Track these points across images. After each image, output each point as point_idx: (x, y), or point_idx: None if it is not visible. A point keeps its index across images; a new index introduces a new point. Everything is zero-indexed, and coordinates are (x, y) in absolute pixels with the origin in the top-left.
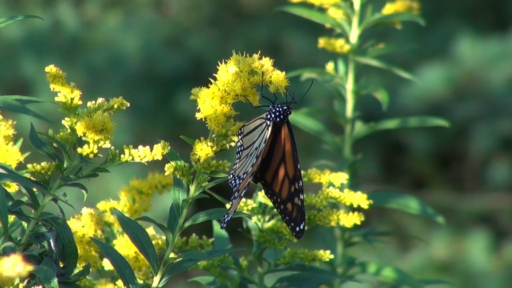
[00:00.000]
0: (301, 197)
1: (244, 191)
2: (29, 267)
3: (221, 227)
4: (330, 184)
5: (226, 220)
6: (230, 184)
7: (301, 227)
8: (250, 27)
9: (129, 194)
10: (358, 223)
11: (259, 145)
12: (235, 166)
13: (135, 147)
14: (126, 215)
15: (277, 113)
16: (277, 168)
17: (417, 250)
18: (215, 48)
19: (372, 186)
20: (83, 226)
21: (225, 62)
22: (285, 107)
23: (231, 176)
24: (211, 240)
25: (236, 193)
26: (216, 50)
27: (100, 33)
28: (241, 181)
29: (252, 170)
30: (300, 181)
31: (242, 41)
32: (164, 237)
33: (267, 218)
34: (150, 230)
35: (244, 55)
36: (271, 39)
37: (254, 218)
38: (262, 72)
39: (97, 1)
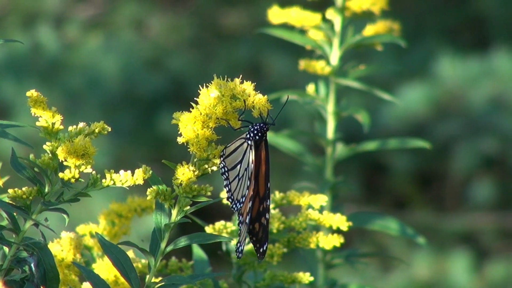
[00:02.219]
0: (267, 216)
1: (248, 217)
2: None
3: (238, 257)
4: (310, 206)
5: (240, 250)
6: (232, 209)
7: (265, 247)
8: (231, 48)
9: (109, 218)
10: (338, 245)
11: (247, 166)
12: (228, 187)
13: (116, 170)
14: (106, 238)
15: (255, 131)
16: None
17: (399, 270)
18: (196, 69)
19: (354, 207)
20: (62, 250)
21: (207, 86)
22: (262, 125)
23: (230, 200)
24: (190, 263)
25: (241, 217)
26: (197, 71)
27: (80, 55)
28: (241, 205)
29: (249, 193)
30: (268, 200)
31: (223, 62)
32: (143, 260)
33: (246, 240)
34: (130, 253)
35: (226, 79)
36: (252, 60)
37: (234, 241)
38: (244, 100)
39: (78, 23)
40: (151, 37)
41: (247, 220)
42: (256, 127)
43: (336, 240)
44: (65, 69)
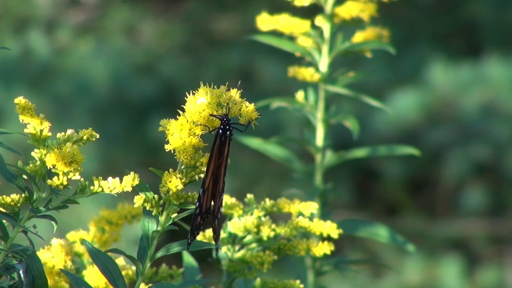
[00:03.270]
0: (221, 210)
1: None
2: None
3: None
4: (300, 214)
5: (189, 241)
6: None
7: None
8: (222, 54)
9: (99, 225)
10: (328, 252)
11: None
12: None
13: (107, 175)
14: (96, 245)
15: (223, 126)
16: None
17: (390, 276)
18: (187, 74)
19: (345, 213)
20: (53, 257)
21: (193, 93)
22: (230, 123)
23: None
24: (181, 270)
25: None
26: (188, 77)
27: (71, 60)
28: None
29: (206, 183)
30: (223, 194)
31: (214, 68)
32: (134, 267)
33: (237, 248)
34: (120, 261)
35: (212, 86)
36: (244, 65)
37: (224, 248)
38: (228, 107)
39: (69, 28)
40: (142, 43)
41: (198, 212)
42: (224, 122)
43: (327, 248)
44: (56, 75)
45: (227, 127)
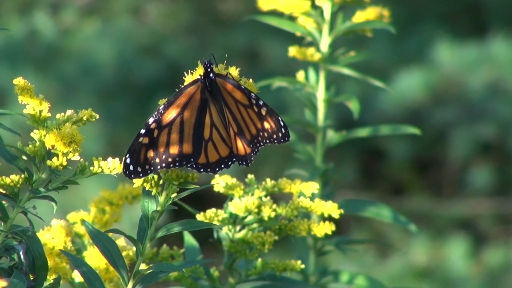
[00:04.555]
0: (265, 107)
1: None
2: (3, 283)
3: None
4: (301, 194)
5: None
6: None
7: (282, 126)
8: (227, 34)
9: (99, 205)
10: (329, 232)
11: None
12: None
13: (111, 156)
14: (97, 226)
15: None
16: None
17: (396, 257)
18: (192, 55)
19: (350, 193)
20: (53, 238)
21: (191, 73)
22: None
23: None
24: (182, 250)
25: None
26: (193, 57)
27: (77, 41)
28: None
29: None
30: (254, 106)
31: (220, 48)
32: (134, 248)
33: (238, 228)
34: (121, 241)
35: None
36: (249, 46)
37: (225, 229)
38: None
39: (74, 9)
40: (147, 23)
41: None
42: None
43: (328, 228)
44: (61, 56)
45: (209, 70)
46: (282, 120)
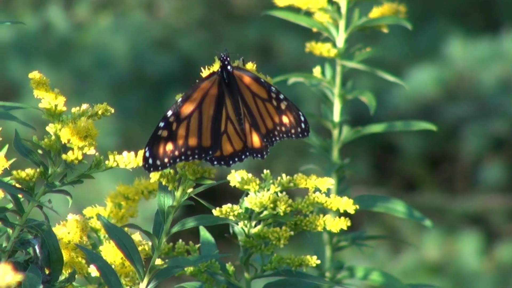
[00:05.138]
0: (285, 101)
1: None
2: (19, 276)
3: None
4: (317, 189)
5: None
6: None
7: (303, 121)
8: (240, 29)
9: (115, 200)
10: (345, 228)
11: None
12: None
13: (125, 149)
14: (112, 221)
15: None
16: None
17: (409, 252)
18: (205, 49)
19: (363, 189)
20: (68, 233)
21: (209, 68)
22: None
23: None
24: (197, 245)
25: None
26: (206, 52)
27: (90, 35)
28: None
29: None
30: (273, 100)
31: (233, 43)
32: (150, 243)
33: (253, 223)
34: (137, 236)
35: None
36: (262, 40)
37: (241, 224)
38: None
39: (88, 3)
40: (161, 17)
41: None
42: (223, 58)
43: (343, 223)
44: (75, 50)
45: (226, 62)
46: (303, 115)
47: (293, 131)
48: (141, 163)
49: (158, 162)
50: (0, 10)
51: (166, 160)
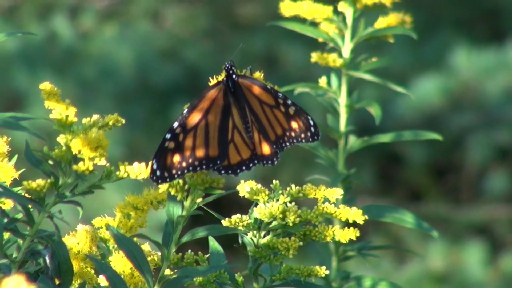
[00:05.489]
0: (293, 106)
1: None
2: (30, 287)
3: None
4: (326, 200)
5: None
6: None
7: (312, 125)
8: (246, 39)
9: (124, 210)
10: (354, 238)
11: None
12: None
13: (130, 160)
14: (121, 231)
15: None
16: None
17: (414, 262)
18: (210, 59)
19: (368, 198)
20: (78, 243)
21: (216, 78)
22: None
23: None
24: (206, 256)
25: None
26: (211, 62)
27: (95, 45)
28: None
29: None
30: (281, 106)
31: (238, 53)
32: (159, 253)
33: (262, 234)
34: (146, 246)
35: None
36: (267, 50)
37: (250, 234)
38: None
39: (93, 13)
40: (166, 28)
41: None
42: (228, 67)
43: (352, 234)
44: (80, 59)
45: (231, 71)
46: (312, 119)
47: (302, 135)
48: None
49: (166, 174)
50: (6, 20)
51: (174, 171)
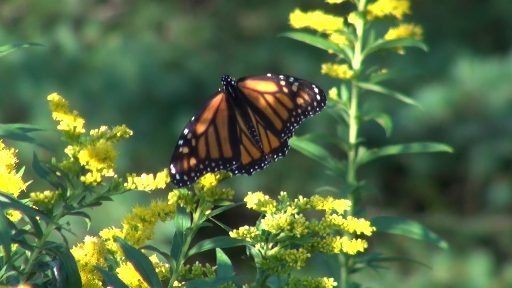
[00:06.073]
0: (296, 82)
1: None
2: None
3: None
4: (333, 211)
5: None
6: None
7: (317, 93)
8: (250, 50)
9: (132, 222)
10: (362, 250)
11: None
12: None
13: (134, 171)
14: (129, 243)
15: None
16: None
17: (419, 273)
18: (215, 70)
19: (374, 209)
20: (85, 255)
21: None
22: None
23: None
24: (214, 267)
25: None
26: (216, 73)
27: (99, 56)
28: None
29: None
30: (284, 88)
31: (243, 64)
32: (167, 265)
33: (270, 245)
34: (153, 258)
35: None
36: (272, 62)
37: (257, 246)
38: None
39: (97, 24)
40: (170, 39)
41: None
42: (225, 79)
43: (360, 245)
44: (84, 71)
45: (229, 81)
46: (317, 87)
47: (309, 108)
48: (159, 185)
49: (186, 177)
50: (10, 32)
51: (192, 174)
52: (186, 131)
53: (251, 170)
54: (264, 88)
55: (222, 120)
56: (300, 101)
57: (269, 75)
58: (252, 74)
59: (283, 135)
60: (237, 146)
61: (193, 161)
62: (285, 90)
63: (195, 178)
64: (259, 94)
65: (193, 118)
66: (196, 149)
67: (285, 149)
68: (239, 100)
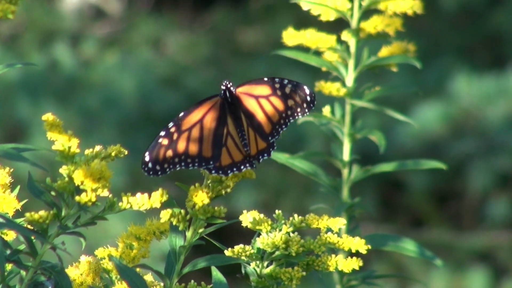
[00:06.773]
0: (289, 84)
1: None
2: None
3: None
4: (328, 229)
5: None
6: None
7: (308, 94)
8: (247, 66)
9: (127, 241)
10: (357, 268)
11: None
12: None
13: (133, 189)
14: (124, 262)
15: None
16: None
17: None
18: (212, 86)
19: (370, 226)
20: (81, 274)
21: None
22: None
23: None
24: (209, 286)
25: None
26: (213, 89)
27: (97, 73)
28: None
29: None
30: (277, 91)
31: (240, 80)
32: (162, 283)
33: (265, 263)
34: (148, 277)
35: None
36: None
37: (253, 264)
38: None
39: (95, 41)
40: (168, 55)
41: None
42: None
43: (355, 263)
44: (82, 88)
45: (228, 87)
46: (308, 88)
47: (299, 110)
48: (154, 204)
49: (158, 167)
50: (7, 48)
51: (166, 165)
52: (170, 124)
53: (228, 171)
54: (259, 92)
55: (209, 122)
56: (291, 102)
57: (265, 79)
58: (250, 80)
59: (270, 138)
60: (218, 147)
61: (169, 153)
62: (279, 92)
63: (167, 170)
64: (253, 99)
65: (181, 113)
66: (175, 143)
67: (271, 149)
68: (234, 105)
